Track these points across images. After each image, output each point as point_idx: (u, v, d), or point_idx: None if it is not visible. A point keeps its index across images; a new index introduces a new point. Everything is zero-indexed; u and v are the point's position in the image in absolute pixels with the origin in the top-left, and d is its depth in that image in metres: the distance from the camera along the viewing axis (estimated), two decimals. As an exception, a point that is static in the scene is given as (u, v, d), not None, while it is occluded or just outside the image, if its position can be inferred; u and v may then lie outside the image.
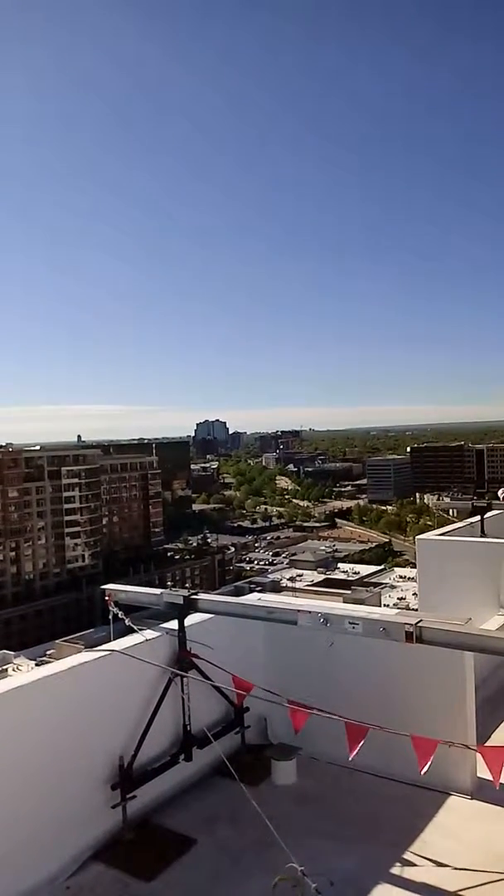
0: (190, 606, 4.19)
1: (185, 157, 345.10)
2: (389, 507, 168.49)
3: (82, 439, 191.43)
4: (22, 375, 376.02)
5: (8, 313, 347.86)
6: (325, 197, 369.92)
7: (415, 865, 3.64)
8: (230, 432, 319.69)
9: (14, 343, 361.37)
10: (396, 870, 3.60)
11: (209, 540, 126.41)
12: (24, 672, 5.27)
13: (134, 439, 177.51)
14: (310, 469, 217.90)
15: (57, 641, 62.21)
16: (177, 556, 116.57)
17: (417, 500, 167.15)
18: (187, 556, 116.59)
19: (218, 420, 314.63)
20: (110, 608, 4.39)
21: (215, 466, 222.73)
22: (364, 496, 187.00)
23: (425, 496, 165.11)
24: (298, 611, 3.76)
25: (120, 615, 4.36)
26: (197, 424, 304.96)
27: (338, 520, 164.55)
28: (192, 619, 4.38)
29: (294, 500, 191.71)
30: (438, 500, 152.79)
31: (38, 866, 3.54)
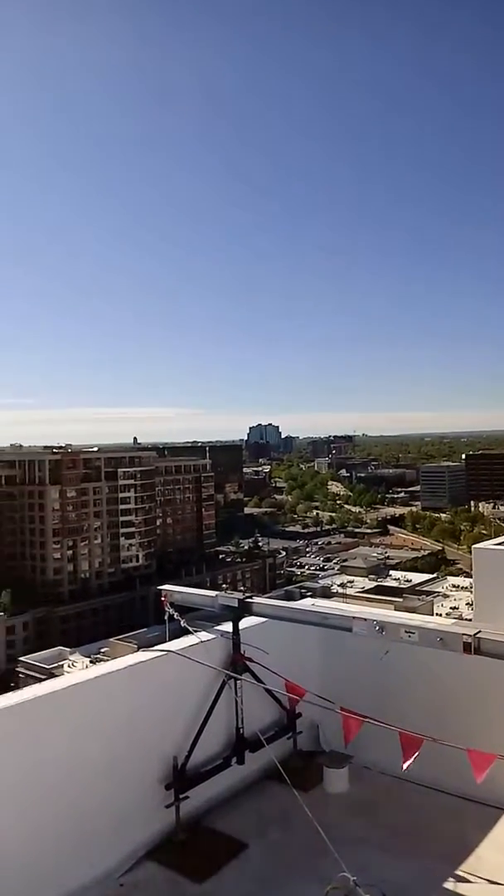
0: (244, 609, 4.21)
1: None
2: (443, 515, 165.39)
3: (138, 441, 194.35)
4: (79, 379, 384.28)
5: (65, 318, 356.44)
6: (385, 205, 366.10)
7: (468, 882, 3.57)
8: (283, 436, 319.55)
9: (71, 347, 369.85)
10: (450, 885, 3.54)
11: (260, 543, 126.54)
12: (81, 669, 5.39)
13: (188, 442, 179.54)
14: (362, 475, 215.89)
15: (111, 640, 63.38)
16: (228, 559, 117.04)
17: (472, 508, 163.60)
18: (238, 559, 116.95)
19: (271, 424, 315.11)
20: (166, 609, 4.45)
21: (267, 470, 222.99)
22: (417, 503, 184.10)
23: (480, 504, 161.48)
24: (353, 617, 3.74)
25: (175, 616, 4.41)
26: (250, 428, 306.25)
27: (390, 526, 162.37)
28: (245, 623, 4.40)
29: (346, 506, 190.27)
30: (494, 508, 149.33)
31: (94, 861, 3.60)
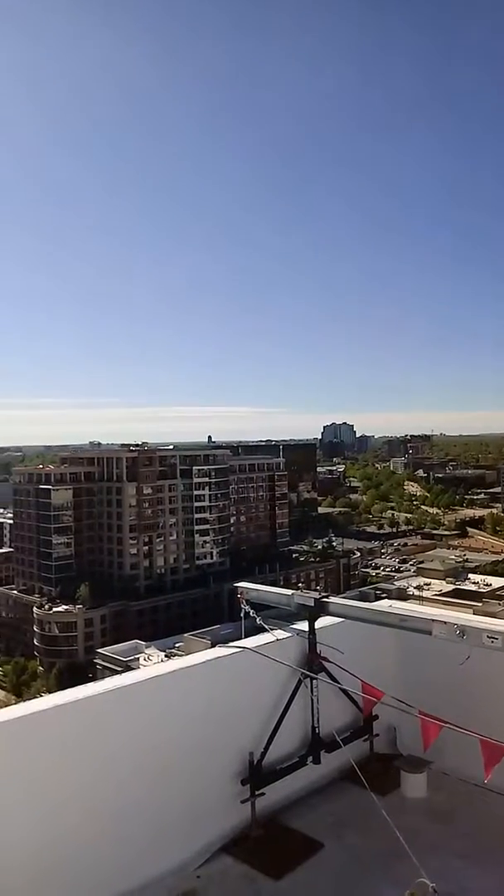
0: (321, 609, 4.18)
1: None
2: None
3: (212, 440, 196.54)
4: (156, 378, 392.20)
5: (142, 322, 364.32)
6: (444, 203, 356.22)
7: None
8: (357, 435, 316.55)
9: (147, 348, 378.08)
10: None
11: (334, 543, 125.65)
12: (157, 663, 5.48)
13: (262, 441, 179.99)
14: (440, 475, 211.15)
15: (185, 635, 64.35)
16: (301, 559, 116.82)
17: None
18: (312, 559, 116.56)
19: (345, 423, 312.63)
20: (242, 606, 4.47)
21: (342, 470, 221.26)
22: (498, 505, 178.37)
23: None
24: (433, 620, 3.66)
25: (251, 613, 4.43)
26: (324, 427, 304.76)
27: (469, 528, 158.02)
28: (321, 622, 4.38)
29: (423, 507, 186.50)
30: None
31: (171, 853, 3.65)
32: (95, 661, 70.88)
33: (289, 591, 4.42)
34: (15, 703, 4.59)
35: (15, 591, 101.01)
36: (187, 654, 4.67)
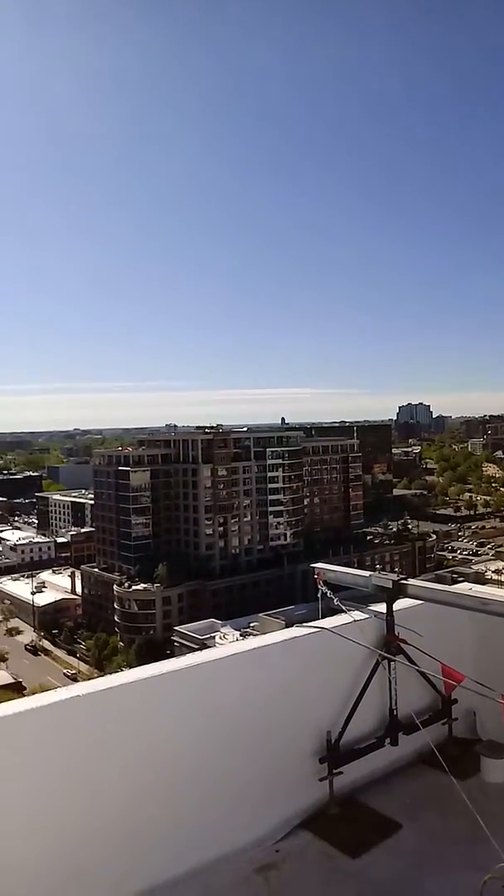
0: (399, 591, 4.15)
1: None
2: None
3: (286, 422, 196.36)
4: (229, 360, 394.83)
5: (214, 307, 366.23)
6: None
7: None
8: (434, 416, 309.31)
9: (221, 332, 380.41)
10: None
11: (409, 526, 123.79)
12: (232, 641, 5.56)
13: (336, 422, 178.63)
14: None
15: (260, 615, 65.13)
16: (376, 541, 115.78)
17: None
18: (386, 541, 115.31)
19: (421, 403, 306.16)
20: (319, 587, 4.48)
21: (417, 451, 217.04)
22: None
23: None
24: (515, 604, 3.57)
25: (329, 594, 4.43)
26: (399, 408, 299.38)
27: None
28: (399, 605, 4.34)
29: (502, 489, 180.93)
30: None
31: (250, 826, 3.73)
32: (173, 638, 72.69)
33: (366, 573, 4.40)
34: (98, 677, 4.78)
35: (96, 569, 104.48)
36: (262, 634, 4.72)
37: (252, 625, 65.16)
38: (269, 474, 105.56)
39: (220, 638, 62.55)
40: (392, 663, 4.24)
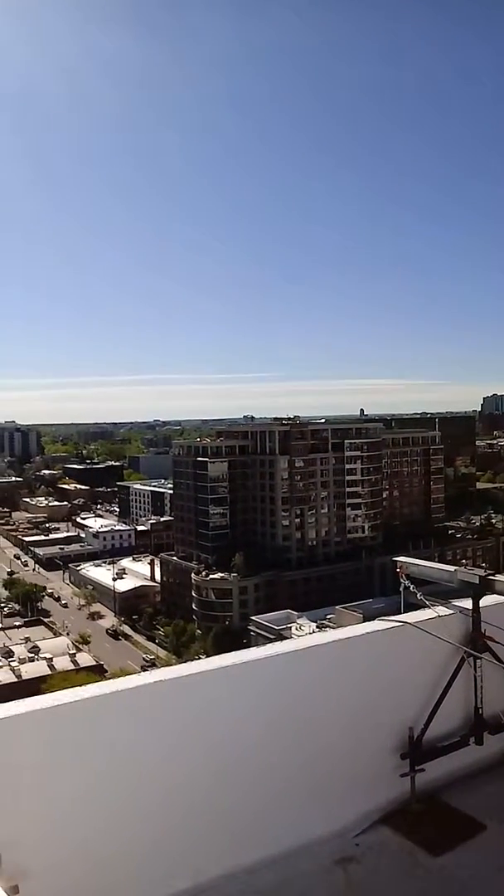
0: (486, 587, 4.02)
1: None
2: None
3: (365, 413, 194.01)
4: (309, 352, 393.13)
5: (294, 300, 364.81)
6: None
7: None
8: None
9: (300, 323, 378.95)
10: None
11: (493, 520, 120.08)
12: (309, 633, 5.53)
13: (416, 414, 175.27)
14: None
15: (337, 607, 64.78)
16: (458, 535, 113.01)
17: None
18: (469, 536, 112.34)
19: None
20: (402, 580, 4.40)
21: (503, 443, 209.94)
22: None
23: None
24: None
25: (412, 588, 4.34)
26: (483, 398, 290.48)
27: None
28: (485, 601, 4.21)
29: None
30: None
31: (329, 818, 3.71)
32: (249, 627, 73.37)
33: (451, 568, 4.28)
34: (176, 664, 4.85)
35: (175, 558, 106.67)
36: (339, 627, 4.67)
37: (328, 617, 64.89)
38: (347, 466, 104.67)
39: (297, 629, 62.65)
40: (478, 661, 4.12)
